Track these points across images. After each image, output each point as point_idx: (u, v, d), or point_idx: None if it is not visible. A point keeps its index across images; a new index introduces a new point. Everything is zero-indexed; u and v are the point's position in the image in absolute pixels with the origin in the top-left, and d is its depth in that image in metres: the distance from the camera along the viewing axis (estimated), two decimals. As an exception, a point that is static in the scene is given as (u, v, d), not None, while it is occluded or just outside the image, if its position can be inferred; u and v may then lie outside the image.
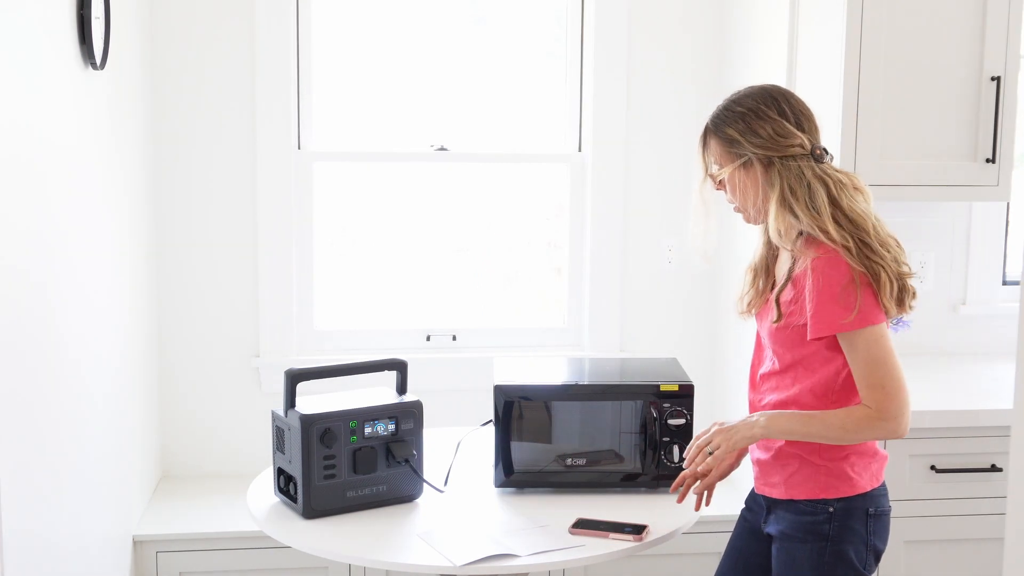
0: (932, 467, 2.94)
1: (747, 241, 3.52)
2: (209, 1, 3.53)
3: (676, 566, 3.43)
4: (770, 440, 2.35)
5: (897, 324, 3.27)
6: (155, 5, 3.50)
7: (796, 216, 2.24)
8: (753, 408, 2.43)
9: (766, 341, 2.40)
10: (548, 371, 2.91)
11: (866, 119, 3.01)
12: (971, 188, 3.08)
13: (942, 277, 3.58)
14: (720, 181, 2.36)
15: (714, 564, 3.46)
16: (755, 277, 2.45)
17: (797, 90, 3.20)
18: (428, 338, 3.78)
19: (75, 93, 2.69)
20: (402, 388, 2.70)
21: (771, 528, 2.41)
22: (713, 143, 2.34)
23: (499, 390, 2.67)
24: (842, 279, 2.20)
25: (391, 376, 2.72)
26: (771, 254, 2.44)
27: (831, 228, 2.21)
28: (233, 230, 3.62)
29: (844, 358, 2.27)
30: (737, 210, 2.38)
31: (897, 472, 2.92)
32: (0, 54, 2.19)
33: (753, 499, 2.52)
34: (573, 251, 3.81)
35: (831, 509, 2.31)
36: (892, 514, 2.92)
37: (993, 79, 3.02)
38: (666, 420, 2.70)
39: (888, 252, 2.24)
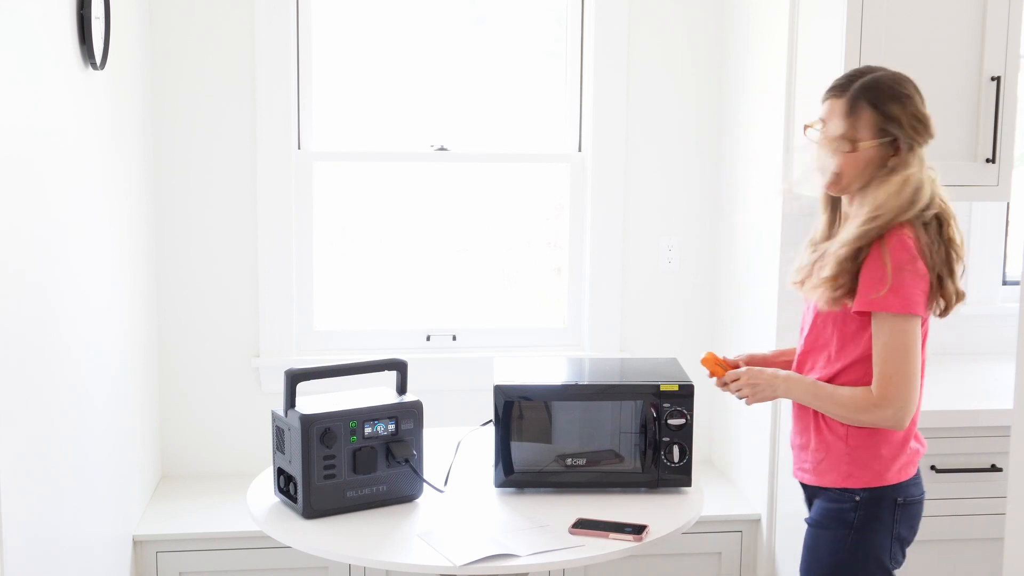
0: (932, 467, 2.94)
1: (748, 241, 3.53)
2: (209, 1, 3.53)
3: (676, 566, 3.43)
4: (802, 425, 2.40)
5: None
6: (155, 5, 3.50)
7: (912, 200, 2.29)
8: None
9: (808, 318, 2.43)
10: (548, 371, 2.91)
11: (866, 119, 3.00)
12: (971, 188, 3.08)
13: (942, 277, 3.57)
14: (827, 139, 2.35)
15: (714, 564, 3.48)
16: (815, 252, 2.44)
17: (797, 90, 3.21)
18: (428, 338, 3.78)
19: (75, 93, 2.69)
20: (402, 388, 2.70)
21: (808, 516, 2.47)
22: (867, 113, 2.32)
23: (499, 390, 2.67)
24: (903, 261, 2.24)
25: (391, 376, 2.72)
26: (834, 233, 2.43)
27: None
28: (233, 230, 3.62)
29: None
30: (832, 174, 2.35)
31: (897, 472, 2.92)
32: (0, 54, 2.19)
33: (804, 497, 2.55)
34: (573, 251, 3.81)
35: (857, 498, 2.33)
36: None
37: (993, 79, 3.02)
38: (666, 420, 2.70)
39: (959, 261, 2.32)
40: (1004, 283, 3.64)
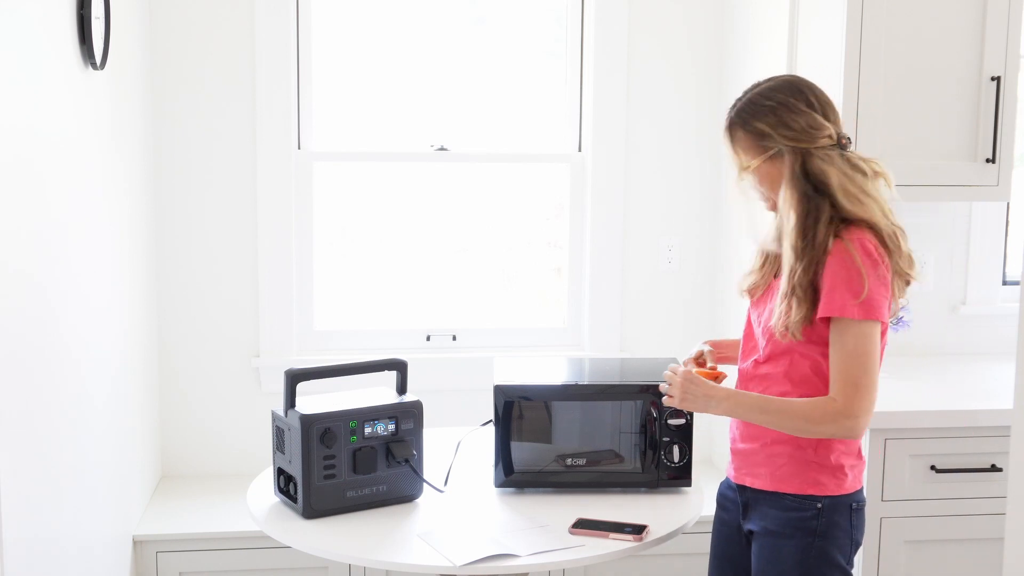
0: (932, 467, 2.94)
1: (748, 241, 3.52)
2: (209, 1, 3.53)
3: (676, 566, 3.43)
4: (758, 431, 2.34)
5: (897, 324, 3.28)
6: (155, 5, 3.50)
7: (823, 204, 2.24)
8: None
9: (757, 329, 2.40)
10: (548, 371, 2.91)
11: (866, 119, 3.01)
12: (971, 188, 3.08)
13: (942, 277, 3.58)
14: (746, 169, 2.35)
15: (714, 564, 3.46)
16: (764, 262, 2.43)
17: (797, 90, 3.21)
18: (428, 338, 3.78)
19: (75, 93, 2.69)
20: (402, 388, 2.70)
21: (753, 524, 2.39)
22: (741, 135, 2.31)
23: (499, 390, 2.67)
24: (859, 264, 2.19)
25: (391, 376, 2.72)
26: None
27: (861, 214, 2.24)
28: (233, 230, 3.62)
29: (822, 351, 2.25)
30: (763, 198, 2.36)
31: (897, 472, 2.92)
32: (0, 54, 2.19)
33: (724, 496, 2.50)
34: (573, 251, 3.81)
35: (819, 505, 2.30)
36: (892, 514, 2.94)
37: (993, 79, 3.02)
38: (666, 420, 2.70)
39: (900, 246, 2.27)
40: (1004, 283, 3.64)
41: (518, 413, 2.68)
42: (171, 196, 3.58)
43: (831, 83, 3.03)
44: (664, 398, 2.40)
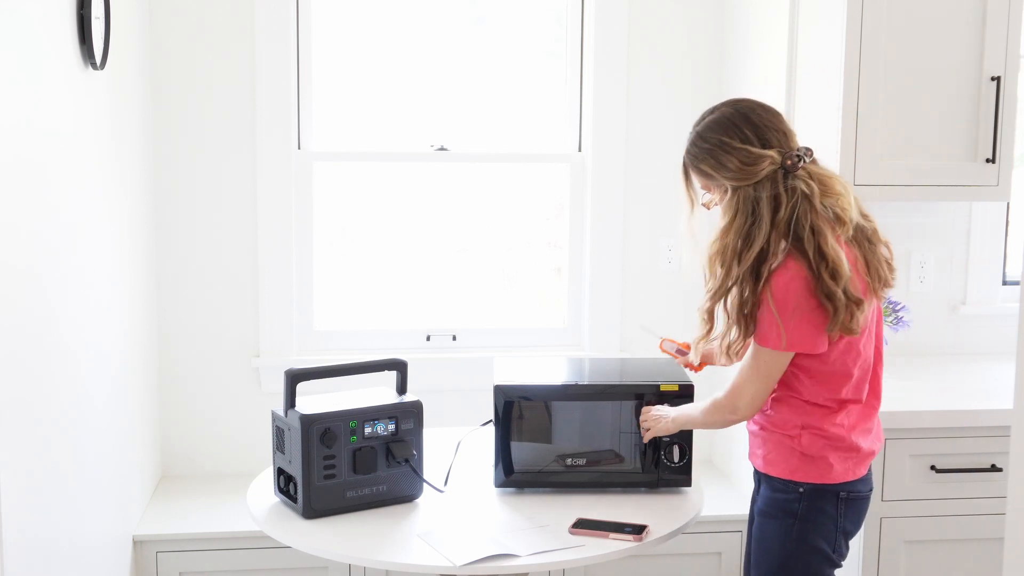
0: (932, 467, 2.94)
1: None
2: (209, 1, 3.53)
3: (676, 566, 3.43)
4: (764, 409, 2.45)
5: (897, 324, 3.28)
6: (155, 5, 3.50)
7: (758, 236, 2.29)
8: None
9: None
10: (548, 371, 2.91)
11: (866, 119, 3.01)
12: (971, 188, 3.08)
13: (942, 277, 3.58)
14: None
15: (714, 564, 3.48)
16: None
17: (797, 90, 3.21)
18: (428, 338, 3.78)
19: (75, 93, 2.69)
20: (402, 388, 2.70)
21: (757, 503, 2.52)
22: (694, 176, 2.42)
23: (499, 390, 2.67)
24: (774, 311, 2.28)
25: (391, 376, 2.72)
26: None
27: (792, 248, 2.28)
28: (233, 230, 3.62)
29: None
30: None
31: (897, 472, 2.92)
32: (0, 54, 2.19)
33: (754, 470, 2.59)
34: (573, 251, 3.81)
35: (801, 490, 2.40)
36: (892, 514, 2.94)
37: (993, 79, 3.02)
38: (666, 420, 2.70)
39: (839, 274, 2.27)
40: (1004, 283, 3.64)
41: (518, 413, 2.68)
42: (171, 196, 3.58)
43: (831, 83, 3.03)
44: (645, 434, 2.65)
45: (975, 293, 3.59)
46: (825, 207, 2.29)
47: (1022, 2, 3.02)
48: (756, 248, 2.27)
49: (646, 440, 2.65)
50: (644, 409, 2.65)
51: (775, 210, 2.27)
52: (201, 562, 3.29)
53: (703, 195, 2.44)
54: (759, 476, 2.53)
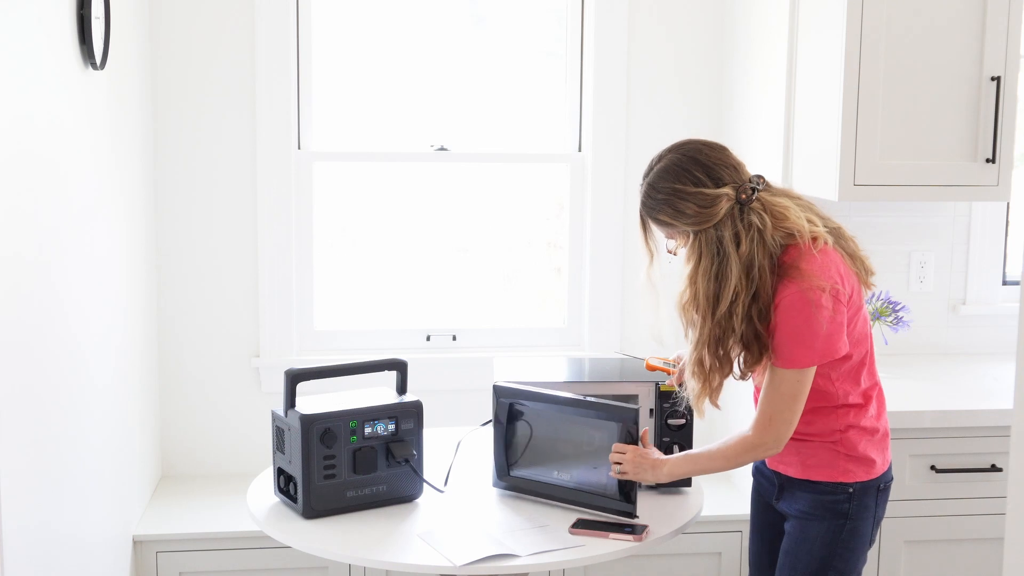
0: (932, 467, 2.94)
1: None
2: (209, 1, 3.53)
3: (676, 566, 3.43)
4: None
5: (897, 324, 3.28)
6: (155, 5, 3.50)
7: (728, 276, 2.28)
8: None
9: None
10: (548, 371, 2.91)
11: (866, 119, 3.01)
12: (971, 188, 3.08)
13: (942, 277, 3.58)
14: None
15: (714, 564, 3.48)
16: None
17: (797, 90, 3.21)
18: (428, 338, 3.78)
19: (75, 93, 2.69)
20: (402, 388, 2.70)
21: (785, 506, 2.49)
22: (653, 227, 2.43)
23: (499, 390, 2.67)
24: (793, 315, 2.28)
25: (391, 376, 2.72)
26: None
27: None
28: (233, 230, 3.62)
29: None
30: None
31: (897, 472, 2.91)
32: (0, 54, 2.19)
33: (761, 472, 2.59)
34: (573, 251, 3.81)
35: (851, 490, 2.40)
36: (892, 514, 2.95)
37: (993, 79, 3.02)
38: (666, 420, 2.70)
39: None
40: (1004, 283, 3.64)
41: (517, 413, 2.68)
42: (171, 196, 3.58)
43: (831, 83, 3.03)
44: (617, 472, 2.48)
45: (975, 293, 3.60)
46: (774, 240, 2.29)
47: (1022, 2, 3.02)
48: (732, 285, 2.27)
49: (615, 476, 2.48)
50: (617, 446, 2.49)
51: (738, 246, 2.28)
52: (201, 562, 3.29)
53: (667, 242, 2.44)
54: (788, 481, 2.46)
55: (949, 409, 2.97)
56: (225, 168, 3.59)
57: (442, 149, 3.73)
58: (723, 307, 2.27)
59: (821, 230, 2.31)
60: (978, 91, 3.03)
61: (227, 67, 3.56)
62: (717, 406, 2.43)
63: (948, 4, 3.00)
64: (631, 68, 3.71)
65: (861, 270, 2.40)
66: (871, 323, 3.23)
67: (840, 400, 2.38)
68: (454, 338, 3.79)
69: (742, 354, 2.34)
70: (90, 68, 2.78)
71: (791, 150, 3.26)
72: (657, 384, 2.70)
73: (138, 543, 3.26)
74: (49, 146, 2.50)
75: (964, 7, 3.01)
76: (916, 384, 3.24)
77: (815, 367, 2.31)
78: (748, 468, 2.62)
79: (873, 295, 3.29)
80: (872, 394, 2.43)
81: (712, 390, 2.36)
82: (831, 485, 2.40)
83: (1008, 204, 3.58)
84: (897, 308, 3.26)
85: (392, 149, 3.78)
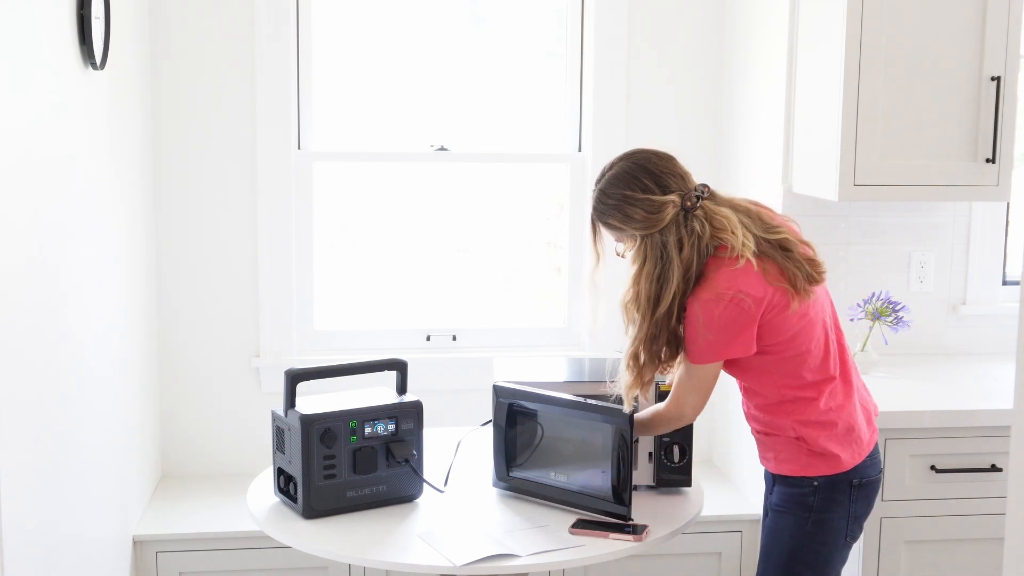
0: (932, 467, 2.94)
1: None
2: (209, 1, 3.53)
3: (676, 566, 3.43)
4: (757, 423, 2.53)
5: (897, 324, 3.28)
6: (155, 5, 3.50)
7: (670, 279, 2.39)
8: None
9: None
10: (548, 371, 2.91)
11: (866, 119, 3.00)
12: (971, 188, 3.08)
13: (942, 277, 3.58)
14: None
15: (714, 564, 3.48)
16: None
17: (797, 90, 3.21)
18: (428, 338, 3.78)
19: (75, 93, 2.69)
20: (402, 388, 2.70)
21: (771, 500, 2.57)
22: (604, 230, 2.53)
23: (498, 390, 2.67)
24: (698, 330, 2.38)
25: (391, 376, 2.72)
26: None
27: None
28: (233, 230, 3.62)
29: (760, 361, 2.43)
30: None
31: (897, 472, 2.92)
32: (0, 54, 2.19)
33: (766, 470, 2.63)
34: (573, 251, 3.81)
35: (815, 483, 2.46)
36: (892, 514, 2.94)
37: (993, 79, 3.02)
38: (666, 420, 2.69)
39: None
40: (1004, 283, 3.64)
41: (517, 414, 2.67)
42: (171, 196, 3.58)
43: (831, 83, 3.03)
44: None
45: (975, 293, 3.59)
46: (706, 248, 2.39)
47: (1022, 2, 3.02)
48: (672, 288, 2.37)
49: None
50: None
51: (681, 250, 2.38)
52: (201, 562, 3.29)
53: (616, 245, 2.54)
54: (772, 477, 2.57)
55: (949, 409, 2.97)
56: (225, 168, 3.59)
57: (442, 149, 3.73)
58: (663, 308, 2.39)
59: (750, 247, 2.37)
60: (978, 91, 3.03)
61: (227, 67, 3.56)
62: (646, 398, 2.62)
63: (948, 4, 3.00)
64: (631, 68, 3.71)
65: (797, 278, 2.39)
66: (871, 324, 3.25)
67: (776, 397, 2.45)
68: (454, 338, 3.79)
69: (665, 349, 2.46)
70: (90, 68, 2.78)
71: (791, 150, 3.26)
72: (657, 384, 2.70)
73: (138, 543, 3.26)
74: (49, 146, 2.50)
75: (964, 7, 3.01)
76: (916, 384, 3.24)
77: (718, 363, 2.43)
78: (762, 470, 2.64)
79: (873, 295, 3.29)
80: (825, 388, 2.44)
81: (644, 383, 2.47)
82: (796, 479, 2.47)
83: (1008, 204, 3.58)
84: (897, 308, 3.26)
85: (392, 149, 3.78)
